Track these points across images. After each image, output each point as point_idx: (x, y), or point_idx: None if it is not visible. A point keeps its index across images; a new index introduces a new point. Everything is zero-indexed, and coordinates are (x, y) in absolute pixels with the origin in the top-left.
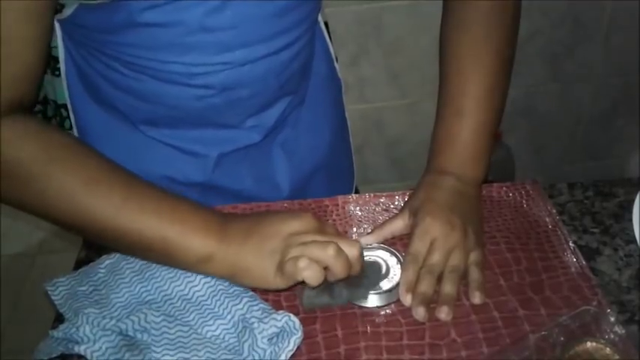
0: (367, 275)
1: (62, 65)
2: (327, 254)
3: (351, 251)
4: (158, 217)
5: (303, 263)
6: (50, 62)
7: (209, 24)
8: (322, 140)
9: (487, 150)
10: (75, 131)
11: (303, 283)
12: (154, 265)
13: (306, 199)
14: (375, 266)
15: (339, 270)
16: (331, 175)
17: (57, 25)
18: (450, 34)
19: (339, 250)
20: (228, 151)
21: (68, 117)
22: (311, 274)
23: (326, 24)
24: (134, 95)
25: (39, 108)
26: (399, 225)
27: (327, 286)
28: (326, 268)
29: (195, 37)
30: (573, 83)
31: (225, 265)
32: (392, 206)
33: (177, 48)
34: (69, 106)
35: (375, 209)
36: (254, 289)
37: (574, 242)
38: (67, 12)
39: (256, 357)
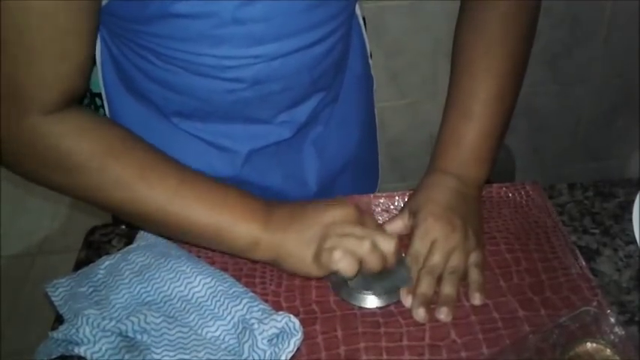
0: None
1: (98, 54)
2: (363, 249)
3: (386, 246)
4: (209, 205)
5: (338, 255)
6: None
7: (240, 16)
8: (352, 138)
9: (491, 154)
10: None
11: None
12: (154, 266)
13: (334, 196)
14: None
15: (373, 264)
16: (358, 173)
17: None
18: (465, 34)
19: (375, 245)
20: (258, 148)
21: (102, 106)
22: (345, 266)
23: (364, 19)
24: (166, 87)
25: None
26: (398, 226)
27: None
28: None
29: (226, 29)
30: (573, 84)
31: (270, 250)
32: (392, 207)
33: (208, 40)
34: (103, 96)
35: (374, 210)
36: (254, 290)
37: (574, 243)
38: (103, 2)
39: (256, 358)
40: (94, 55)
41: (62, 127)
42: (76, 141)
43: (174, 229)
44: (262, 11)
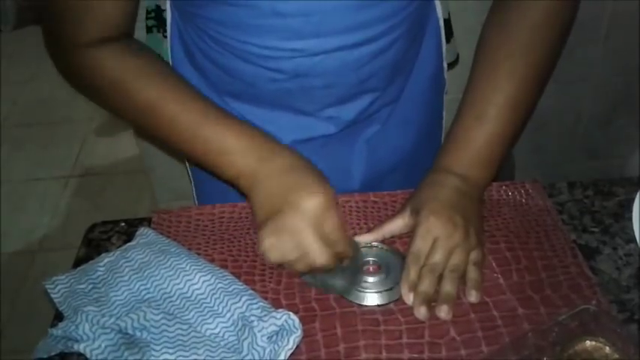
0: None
1: (168, 29)
2: (291, 255)
3: (317, 260)
4: (215, 128)
5: (266, 244)
6: (162, 24)
7: (280, 9)
8: (411, 138)
9: (498, 158)
10: None
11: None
12: (153, 263)
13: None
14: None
15: (298, 269)
16: (411, 172)
17: None
18: (493, 34)
19: (302, 257)
20: (302, 139)
21: None
22: (269, 259)
23: (447, 22)
24: (219, 67)
25: None
26: (398, 224)
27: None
28: None
29: (267, 20)
30: (573, 83)
31: (246, 188)
32: (392, 205)
33: (251, 29)
34: (170, 65)
35: (375, 208)
36: (254, 288)
37: (574, 241)
38: None
39: (256, 355)
40: (133, 13)
41: (95, 59)
42: (109, 69)
43: (184, 150)
44: (301, 6)
